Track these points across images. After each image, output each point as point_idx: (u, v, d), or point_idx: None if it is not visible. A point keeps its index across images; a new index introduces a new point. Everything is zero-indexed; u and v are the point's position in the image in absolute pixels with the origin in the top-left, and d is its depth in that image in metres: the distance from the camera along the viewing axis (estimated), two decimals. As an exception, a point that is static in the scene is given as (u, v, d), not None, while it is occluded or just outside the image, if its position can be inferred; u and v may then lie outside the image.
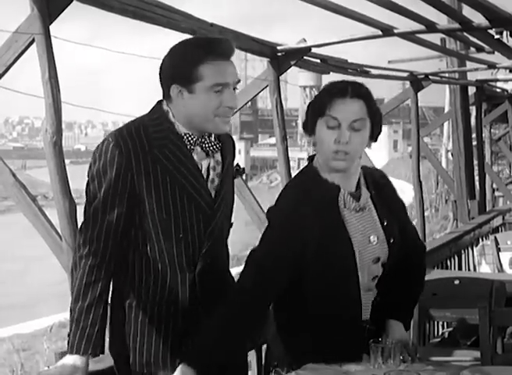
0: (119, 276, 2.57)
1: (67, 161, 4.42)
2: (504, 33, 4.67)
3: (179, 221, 2.51)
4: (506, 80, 10.61)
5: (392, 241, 2.66)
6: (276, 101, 5.45)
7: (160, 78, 2.54)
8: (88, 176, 2.54)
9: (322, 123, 2.52)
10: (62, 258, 4.43)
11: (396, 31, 4.94)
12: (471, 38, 5.59)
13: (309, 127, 2.57)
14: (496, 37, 4.73)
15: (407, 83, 8.28)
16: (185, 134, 2.53)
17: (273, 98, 5.51)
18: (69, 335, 2.50)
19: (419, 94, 8.13)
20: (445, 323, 5.87)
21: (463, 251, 7.30)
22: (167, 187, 2.48)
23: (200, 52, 2.45)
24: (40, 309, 17.24)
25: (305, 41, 5.29)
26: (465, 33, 5.53)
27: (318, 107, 2.55)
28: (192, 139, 2.54)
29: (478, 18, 4.67)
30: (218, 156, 2.60)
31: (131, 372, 2.58)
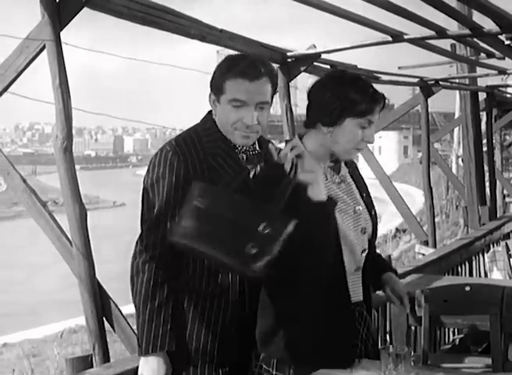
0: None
1: (77, 167, 4.44)
2: (515, 38, 4.66)
3: None
4: (516, 86, 10.60)
5: (373, 212, 2.85)
6: (286, 107, 5.45)
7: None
8: (145, 183, 2.73)
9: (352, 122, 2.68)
10: (72, 264, 4.43)
11: (406, 37, 4.93)
12: (481, 44, 5.58)
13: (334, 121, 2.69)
14: (507, 42, 4.73)
15: (417, 89, 8.27)
16: (234, 144, 2.75)
17: (283, 104, 5.52)
18: (138, 338, 2.67)
19: (429, 99, 8.12)
20: (456, 330, 5.84)
21: (474, 258, 7.28)
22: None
23: (229, 68, 2.68)
24: (46, 316, 17.26)
25: (315, 47, 5.29)
26: (475, 39, 5.52)
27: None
28: (239, 147, 2.77)
29: (488, 24, 4.67)
30: (260, 165, 2.78)
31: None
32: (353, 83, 2.71)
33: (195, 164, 2.67)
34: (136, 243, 2.71)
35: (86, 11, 4.05)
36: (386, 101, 2.78)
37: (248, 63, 2.68)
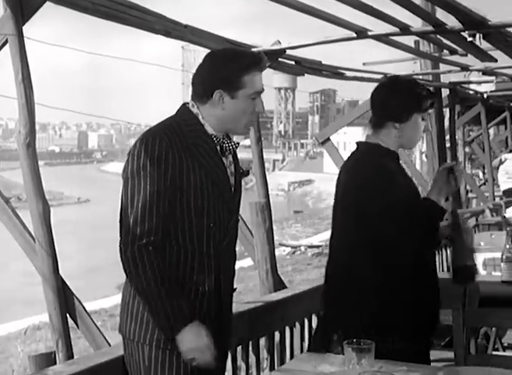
0: None
1: (41, 162, 4.41)
2: (477, 35, 4.69)
3: (211, 213, 2.79)
4: (479, 83, 10.68)
5: None
6: (251, 102, 5.45)
7: (199, 82, 2.86)
8: (130, 170, 2.73)
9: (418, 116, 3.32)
10: (35, 261, 4.40)
11: (370, 33, 4.96)
12: (445, 41, 5.63)
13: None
14: (469, 39, 4.76)
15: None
16: (212, 135, 2.83)
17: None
18: (159, 321, 2.68)
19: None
20: (419, 324, 5.88)
21: (438, 253, 7.34)
22: (202, 181, 2.76)
23: (246, 64, 2.81)
24: (9, 314, 17.12)
25: (280, 42, 5.30)
26: (438, 36, 5.56)
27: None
28: (217, 139, 2.85)
29: (451, 21, 4.70)
30: (230, 157, 2.92)
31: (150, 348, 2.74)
32: (416, 84, 3.47)
33: (180, 151, 2.72)
34: (126, 232, 2.69)
35: (50, 5, 4.02)
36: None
37: (259, 58, 2.87)
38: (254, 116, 2.90)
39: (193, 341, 2.68)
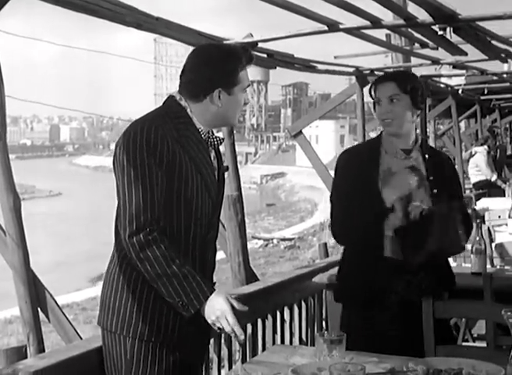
0: None
1: (12, 156, 4.38)
2: (448, 29, 4.72)
3: (199, 205, 2.81)
4: (449, 76, 10.76)
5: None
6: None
7: (194, 81, 2.86)
8: (125, 157, 2.70)
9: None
10: (6, 254, 4.38)
11: (341, 27, 4.97)
12: (416, 34, 5.65)
13: None
14: (440, 33, 4.79)
15: (353, 78, 8.34)
16: (200, 128, 2.87)
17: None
18: (181, 299, 2.67)
19: (365, 89, 8.20)
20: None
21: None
22: (192, 172, 2.77)
23: (242, 61, 2.87)
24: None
25: (252, 35, 5.30)
26: (410, 30, 5.59)
27: None
28: (203, 133, 2.88)
29: (422, 14, 4.73)
30: (213, 152, 2.94)
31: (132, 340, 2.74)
32: None
33: (173, 141, 2.73)
34: (130, 223, 2.67)
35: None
36: None
37: (251, 54, 2.95)
38: (243, 107, 2.98)
39: (218, 311, 2.68)
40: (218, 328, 2.72)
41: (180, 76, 2.91)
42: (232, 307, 2.71)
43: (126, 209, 2.68)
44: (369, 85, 3.64)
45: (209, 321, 2.70)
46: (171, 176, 2.72)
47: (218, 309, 2.68)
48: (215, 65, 2.84)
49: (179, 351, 2.80)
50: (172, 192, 2.73)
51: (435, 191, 3.54)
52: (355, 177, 3.54)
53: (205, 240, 2.87)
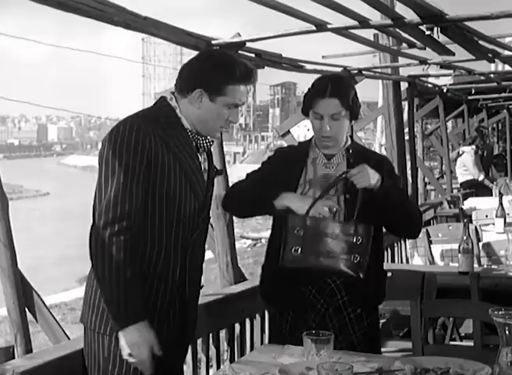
0: None
1: (0, 155, 4.36)
2: (435, 29, 4.73)
3: (182, 206, 2.79)
4: (437, 76, 10.78)
5: None
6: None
7: (185, 75, 2.87)
8: (106, 153, 2.72)
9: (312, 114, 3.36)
10: (-7, 254, 4.35)
11: (329, 27, 4.97)
12: (404, 34, 5.66)
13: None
14: (427, 33, 4.80)
15: (342, 78, 8.33)
16: (188, 129, 2.86)
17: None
18: (111, 311, 2.67)
19: (353, 88, 8.20)
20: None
21: (395, 244, 7.41)
22: (176, 172, 2.75)
23: (235, 74, 2.82)
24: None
25: (240, 35, 5.29)
26: (397, 30, 5.60)
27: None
28: (192, 134, 2.87)
29: (410, 14, 4.74)
30: (204, 154, 2.94)
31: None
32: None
33: (156, 141, 2.72)
34: (99, 216, 2.67)
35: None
36: None
37: (248, 70, 2.86)
38: (226, 124, 2.90)
39: (135, 337, 2.65)
40: (130, 354, 2.68)
41: (180, 69, 2.93)
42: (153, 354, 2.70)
43: (99, 203, 2.70)
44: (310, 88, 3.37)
45: (122, 343, 2.67)
46: (153, 175, 2.72)
47: (140, 336, 2.66)
48: (207, 67, 2.84)
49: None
50: (154, 191, 2.73)
51: (347, 196, 3.30)
52: (275, 176, 3.43)
53: (188, 241, 2.84)
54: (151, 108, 2.91)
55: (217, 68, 2.83)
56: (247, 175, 3.56)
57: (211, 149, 3.03)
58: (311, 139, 3.50)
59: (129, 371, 2.74)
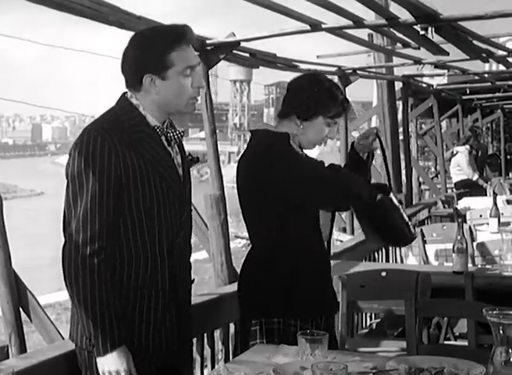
0: None
1: (-6, 155, 4.34)
2: (429, 29, 4.74)
3: (161, 209, 2.67)
4: (431, 76, 10.79)
5: None
6: (205, 94, 5.42)
7: (127, 70, 2.70)
8: (71, 170, 2.58)
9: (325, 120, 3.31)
10: (-13, 255, 4.34)
11: (324, 26, 4.97)
12: (398, 34, 5.67)
13: None
14: (422, 33, 4.80)
15: (336, 77, 8.36)
16: (155, 126, 2.70)
17: (202, 92, 5.50)
18: (89, 336, 2.58)
19: (347, 88, 8.21)
20: (373, 315, 5.96)
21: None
22: (149, 177, 2.62)
23: (169, 41, 2.64)
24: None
25: (234, 35, 5.29)
26: (392, 29, 5.61)
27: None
28: (160, 130, 2.72)
29: (404, 14, 4.74)
30: (176, 147, 2.79)
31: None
32: (335, 87, 3.29)
33: (122, 147, 2.58)
34: (69, 238, 2.56)
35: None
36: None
37: (183, 30, 2.69)
38: (195, 91, 2.72)
39: (113, 364, 2.58)
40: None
41: (121, 65, 2.75)
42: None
43: (68, 223, 2.59)
44: (336, 106, 3.32)
45: (101, 369, 2.59)
46: (124, 185, 2.59)
47: (118, 363, 2.58)
48: (139, 49, 2.67)
49: (156, 357, 2.76)
50: (128, 202, 2.61)
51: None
52: None
53: (174, 244, 2.75)
54: (113, 109, 2.73)
55: (149, 45, 2.66)
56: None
57: (183, 142, 2.87)
58: (288, 140, 3.29)
59: None
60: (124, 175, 2.58)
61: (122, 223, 2.63)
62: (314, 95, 3.19)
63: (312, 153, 3.44)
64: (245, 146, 3.39)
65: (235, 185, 3.30)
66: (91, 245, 2.53)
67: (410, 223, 3.45)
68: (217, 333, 4.26)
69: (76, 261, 2.53)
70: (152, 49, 2.64)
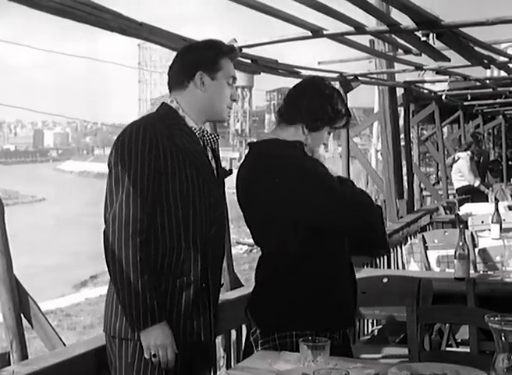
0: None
1: (-4, 161, 4.35)
2: (430, 35, 4.74)
3: (196, 201, 2.83)
4: (433, 82, 10.79)
5: None
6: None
7: (179, 68, 2.96)
8: (113, 158, 2.76)
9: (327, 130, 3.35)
10: (-12, 260, 4.34)
11: (325, 33, 4.98)
12: (399, 40, 5.68)
13: None
14: (423, 39, 4.81)
15: (337, 84, 8.36)
16: (192, 127, 2.91)
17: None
18: (130, 312, 2.69)
19: (349, 94, 8.21)
20: (374, 321, 5.95)
21: (392, 250, 7.41)
22: (187, 171, 2.80)
23: (221, 49, 2.96)
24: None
25: (235, 41, 5.29)
26: (393, 36, 5.61)
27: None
28: (197, 131, 2.92)
29: (405, 20, 4.75)
30: (210, 153, 2.98)
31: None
32: (341, 98, 3.28)
33: (164, 141, 2.76)
34: (112, 220, 2.70)
35: (4, 2, 3.96)
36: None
37: (232, 46, 3.13)
38: (231, 102, 2.97)
39: (158, 338, 2.69)
40: (154, 355, 2.72)
41: (168, 72, 3.00)
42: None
43: (110, 207, 2.73)
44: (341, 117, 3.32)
45: (146, 344, 2.71)
46: (164, 175, 2.75)
47: (163, 336, 2.71)
48: (196, 50, 2.98)
49: (186, 347, 2.83)
50: (166, 190, 2.76)
51: None
52: None
53: (207, 236, 2.87)
54: (154, 112, 2.96)
55: (204, 48, 2.96)
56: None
57: (218, 147, 3.06)
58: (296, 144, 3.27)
59: (154, 372, 2.77)
60: (164, 165, 2.76)
61: (160, 212, 2.77)
62: (325, 108, 3.20)
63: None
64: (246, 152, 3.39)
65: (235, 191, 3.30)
66: (133, 225, 2.68)
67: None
68: (218, 340, 4.26)
69: (119, 239, 2.67)
70: (208, 51, 2.93)
